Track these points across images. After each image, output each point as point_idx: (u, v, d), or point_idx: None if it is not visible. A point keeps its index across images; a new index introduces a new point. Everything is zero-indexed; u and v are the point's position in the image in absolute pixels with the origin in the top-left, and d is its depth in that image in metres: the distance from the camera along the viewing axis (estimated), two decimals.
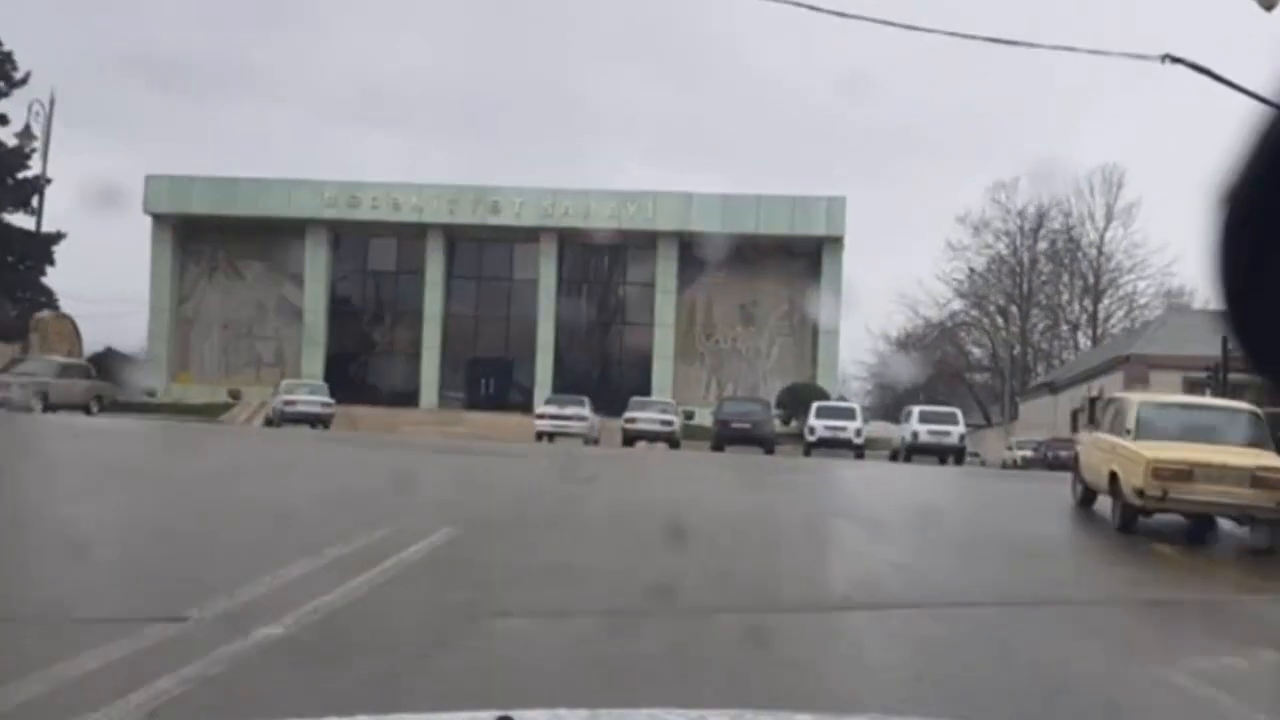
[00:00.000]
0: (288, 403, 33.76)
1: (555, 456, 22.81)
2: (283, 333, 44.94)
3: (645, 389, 41.27)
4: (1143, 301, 64.84)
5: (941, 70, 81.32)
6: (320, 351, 43.80)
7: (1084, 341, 66.43)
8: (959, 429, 33.14)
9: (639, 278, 44.29)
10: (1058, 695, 5.19)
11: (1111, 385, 44.28)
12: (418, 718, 1.34)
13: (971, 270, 63.06)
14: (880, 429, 41.17)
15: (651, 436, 32.70)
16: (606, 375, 43.35)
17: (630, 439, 32.97)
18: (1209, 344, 40.97)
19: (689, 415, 39.07)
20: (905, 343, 70.59)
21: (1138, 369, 41.21)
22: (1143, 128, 78.09)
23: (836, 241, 42.08)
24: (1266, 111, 0.69)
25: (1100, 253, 64.87)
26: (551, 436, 33.39)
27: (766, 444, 32.50)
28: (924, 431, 32.73)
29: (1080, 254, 65.19)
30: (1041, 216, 63.26)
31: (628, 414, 33.09)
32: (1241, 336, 0.73)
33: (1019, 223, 63.67)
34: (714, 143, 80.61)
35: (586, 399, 34.36)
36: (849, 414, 33.36)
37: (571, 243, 43.88)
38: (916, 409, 34.08)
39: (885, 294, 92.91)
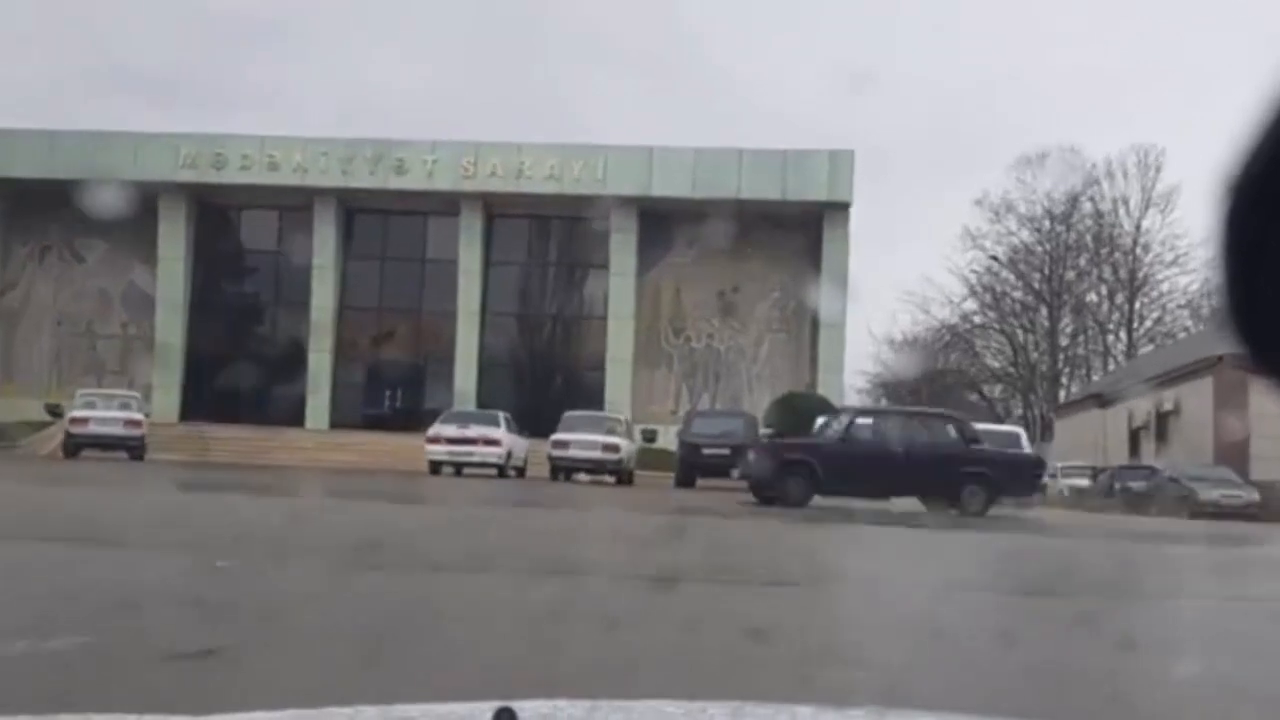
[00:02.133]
0: (77, 421, 23.97)
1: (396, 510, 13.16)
2: (132, 330, 35.09)
3: (597, 400, 31.58)
4: (1184, 300, 55.66)
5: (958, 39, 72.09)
6: (177, 355, 33.98)
7: (1117, 347, 57.16)
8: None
9: (588, 257, 34.60)
10: None
11: (1190, 396, 34.73)
12: (418, 708, 1.15)
13: (994, 259, 53.51)
14: None
15: (590, 467, 23.09)
16: (546, 384, 33.60)
17: (561, 471, 23.32)
18: None
19: (650, 436, 29.35)
20: (912, 347, 61.22)
21: (1233, 375, 31.57)
22: (1186, 104, 69.01)
23: (841, 209, 32.47)
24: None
25: (1136, 244, 55.64)
26: (459, 469, 23.77)
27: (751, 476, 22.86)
28: None
29: (1114, 245, 55.88)
30: (1074, 199, 53.97)
31: (556, 436, 23.43)
32: (1243, 329, 0.70)
33: (1046, 205, 54.39)
34: (685, 103, 70.00)
35: (503, 416, 24.69)
36: None
37: (500, 212, 34.19)
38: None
39: (889, 290, 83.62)
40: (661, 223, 32.86)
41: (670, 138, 41.90)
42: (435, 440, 23.31)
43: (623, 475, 23.58)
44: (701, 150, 32.40)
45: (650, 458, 27.00)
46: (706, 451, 23.11)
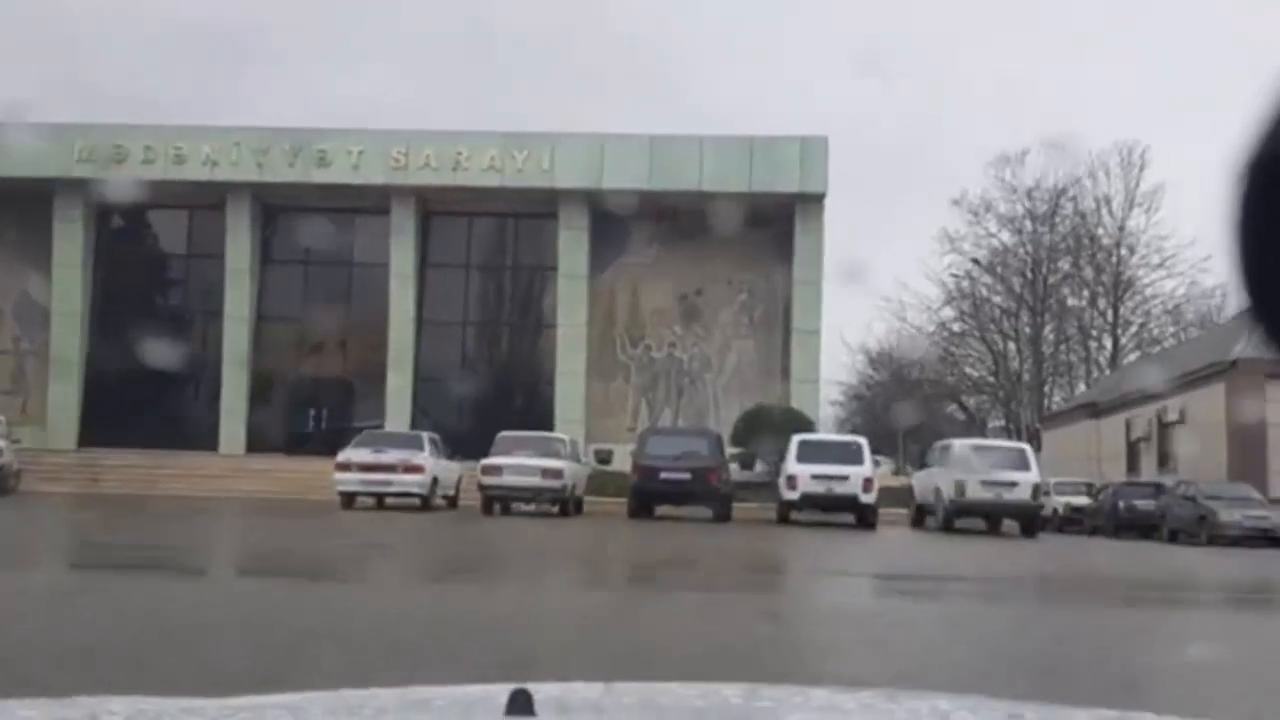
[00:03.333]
0: None
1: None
2: (25, 346, 31.39)
3: (546, 417, 28.22)
4: (1171, 305, 52.94)
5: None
6: (75, 372, 30.32)
7: (1101, 354, 54.31)
8: (1031, 477, 20.33)
9: (535, 258, 31.21)
10: None
11: (1197, 404, 31.68)
12: (436, 689, 1.15)
13: (975, 261, 50.53)
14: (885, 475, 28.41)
15: (528, 496, 19.72)
16: (490, 399, 30.12)
17: (494, 501, 19.94)
18: None
19: (604, 458, 26.05)
20: (886, 360, 58.27)
21: (1249, 379, 28.61)
22: (1169, 101, 66.58)
23: (815, 201, 29.27)
24: None
25: (1119, 245, 52.86)
26: (381, 499, 20.38)
27: (716, 503, 19.71)
28: (974, 482, 19.99)
29: (1097, 246, 53.08)
30: (1057, 197, 51.08)
31: (487, 461, 19.99)
32: (1260, 311, 0.69)
33: (1028, 205, 51.49)
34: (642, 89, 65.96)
35: (429, 438, 21.27)
36: (851, 454, 20.44)
37: (436, 209, 30.75)
38: (959, 445, 21.27)
39: (864, 297, 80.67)
40: (616, 219, 29.52)
41: (625, 125, 38.50)
42: (345, 467, 19.81)
43: (568, 505, 20.17)
44: (658, 138, 29.10)
45: (605, 482, 23.63)
46: (664, 476, 19.75)
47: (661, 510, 20.89)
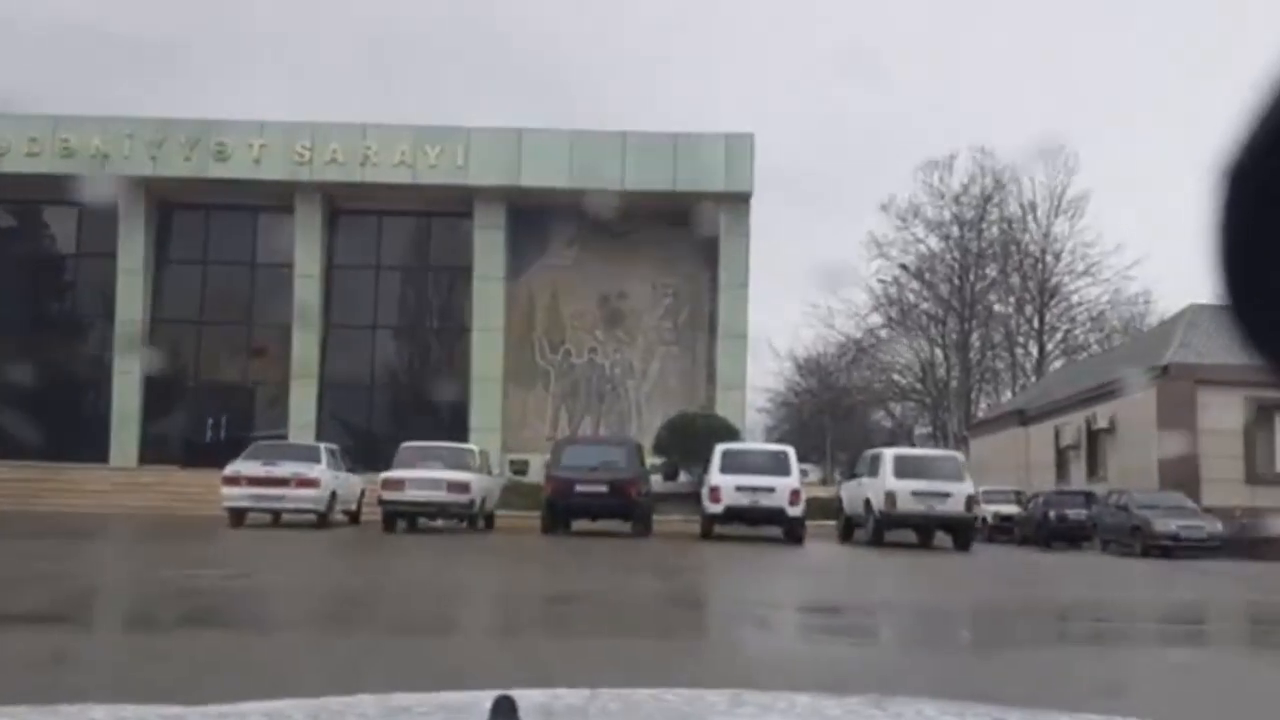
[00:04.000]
0: None
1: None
2: None
3: (460, 426, 26.82)
4: (1096, 312, 53.05)
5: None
6: None
7: (1027, 362, 54.19)
8: (965, 487, 19.42)
9: (448, 258, 29.75)
10: None
11: (1128, 412, 31.18)
12: (419, 696, 1.17)
13: (903, 267, 50.06)
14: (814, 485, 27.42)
15: (433, 511, 18.38)
16: (401, 408, 28.62)
17: (396, 517, 18.53)
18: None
19: (520, 469, 24.72)
20: (815, 367, 57.65)
21: (1180, 386, 28.13)
22: (1095, 110, 66.95)
23: (741, 201, 28.24)
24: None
25: (1045, 252, 52.84)
26: (277, 515, 18.87)
27: (636, 517, 18.55)
28: (905, 492, 19.04)
29: (1023, 253, 52.98)
30: (985, 201, 50.82)
31: (388, 474, 18.57)
32: (1246, 325, 0.70)
33: (955, 211, 51.18)
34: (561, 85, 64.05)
35: (327, 448, 19.80)
36: (777, 465, 19.35)
37: (344, 207, 29.19)
38: (890, 454, 20.27)
39: (794, 302, 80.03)
40: (535, 218, 28.25)
41: (543, 120, 37.06)
42: (233, 481, 18.23)
43: (477, 520, 18.79)
44: (579, 133, 27.86)
45: (522, 494, 22.31)
46: (580, 489, 18.47)
47: (579, 525, 19.68)
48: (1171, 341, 30.03)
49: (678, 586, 10.90)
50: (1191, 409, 27.83)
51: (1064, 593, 11.14)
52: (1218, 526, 23.31)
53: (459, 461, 18.75)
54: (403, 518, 18.66)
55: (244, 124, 27.97)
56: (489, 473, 20.22)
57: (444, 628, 7.18)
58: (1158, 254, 67.34)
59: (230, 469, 18.47)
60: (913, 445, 49.02)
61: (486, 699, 0.95)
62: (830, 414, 55.92)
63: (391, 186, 27.81)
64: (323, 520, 18.67)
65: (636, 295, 29.21)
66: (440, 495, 17.91)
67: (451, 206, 28.45)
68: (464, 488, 17.99)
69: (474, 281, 28.66)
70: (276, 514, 18.99)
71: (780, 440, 57.17)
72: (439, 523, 18.93)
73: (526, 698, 0.98)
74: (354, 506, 20.20)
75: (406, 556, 14.25)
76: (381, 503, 18.35)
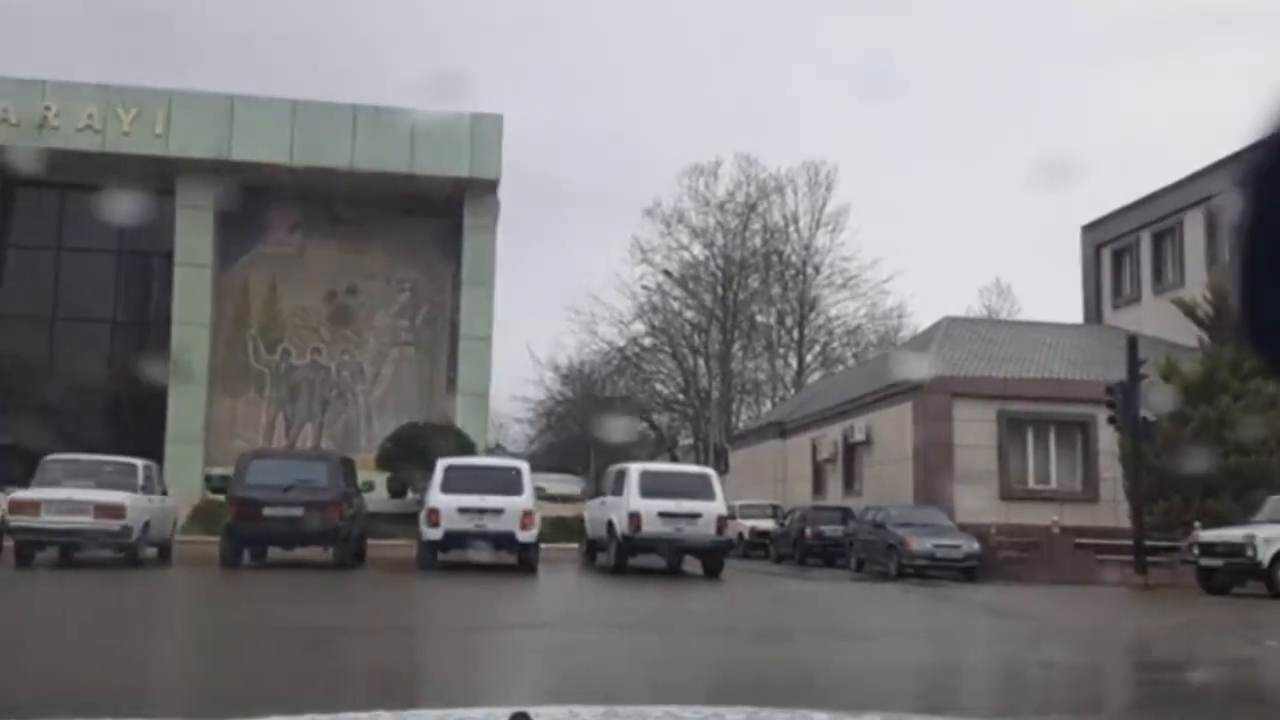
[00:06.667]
0: None
1: None
2: None
3: (154, 437, 23.10)
4: (853, 325, 53.46)
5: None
6: None
7: (787, 374, 54.01)
8: (716, 507, 17.48)
9: (145, 241, 25.84)
10: None
11: (885, 425, 30.39)
12: (435, 713, 1.22)
13: (666, 273, 48.72)
14: (556, 504, 25.02)
15: (75, 541, 14.94)
16: (84, 413, 24.50)
17: (32, 548, 14.97)
18: (1017, 364, 27.97)
19: (219, 486, 21.27)
20: (578, 376, 55.63)
21: (936, 400, 27.42)
22: (856, 126, 67.86)
23: (488, 189, 25.66)
24: None
25: (806, 264, 52.80)
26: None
27: (339, 546, 15.71)
28: (651, 513, 16.98)
29: (785, 264, 52.75)
30: (749, 210, 50.18)
31: (19, 495, 15.02)
32: (1249, 320, 0.71)
33: (720, 218, 50.33)
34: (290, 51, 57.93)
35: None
36: (507, 481, 16.86)
37: (20, 178, 24.82)
38: (635, 470, 18.11)
39: (553, 309, 77.86)
40: (250, 199, 24.78)
41: (262, 88, 32.79)
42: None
43: (136, 552, 15.38)
44: (302, 104, 24.63)
45: (207, 517, 18.95)
46: (269, 512, 15.41)
47: (275, 554, 16.62)
48: (928, 354, 29.39)
49: (348, 647, 8.23)
50: (948, 422, 27.14)
51: (808, 652, 9.14)
52: (974, 546, 22.40)
53: (117, 479, 15.29)
54: (42, 549, 15.07)
55: None
56: (161, 493, 16.79)
57: None
58: (912, 270, 68.85)
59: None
60: (675, 458, 47.73)
61: (503, 715, 0.96)
62: (594, 425, 54.06)
63: (76, 155, 23.79)
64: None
65: (368, 290, 26.14)
66: (85, 521, 14.45)
67: (149, 181, 24.56)
68: (116, 511, 14.57)
69: (176, 269, 24.90)
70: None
71: (538, 455, 54.93)
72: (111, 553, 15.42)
73: (542, 714, 0.98)
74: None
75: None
76: (9, 531, 14.73)
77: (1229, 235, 0.66)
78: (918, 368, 28.46)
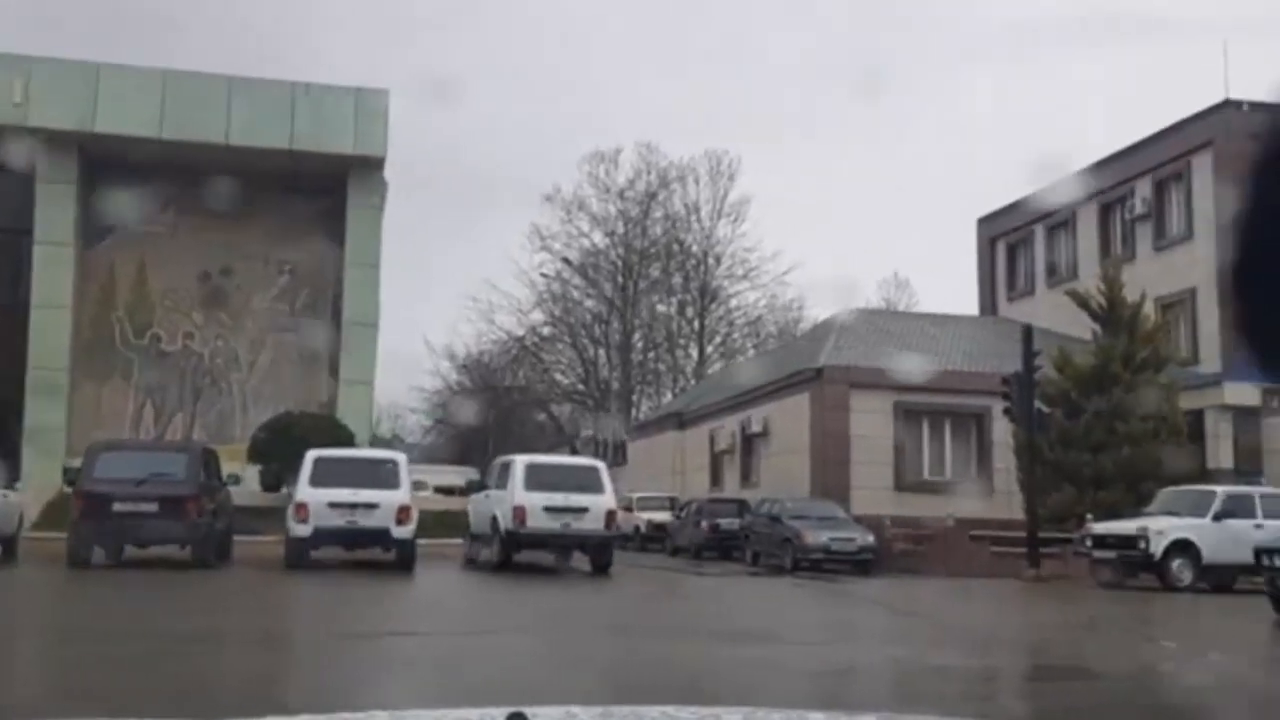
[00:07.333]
0: None
1: None
2: None
3: (10, 428, 21.52)
4: (754, 316, 53.28)
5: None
6: None
7: (688, 365, 53.61)
8: (605, 501, 16.78)
9: (8, 219, 24.18)
10: None
11: (782, 416, 30.02)
12: (431, 713, 1.22)
13: (566, 261, 47.86)
14: (440, 498, 24.09)
15: None
16: None
17: None
18: (915, 355, 27.75)
19: (73, 479, 19.84)
20: (476, 365, 54.45)
21: (833, 390, 27.11)
22: (758, 118, 67.67)
23: (373, 167, 24.54)
24: None
25: (707, 254, 52.43)
26: None
27: (197, 544, 14.63)
28: (536, 507, 16.23)
29: (686, 254, 52.29)
30: (650, 199, 49.57)
31: None
32: (1250, 333, 0.71)
33: (621, 206, 49.63)
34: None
35: None
36: (382, 474, 15.93)
37: None
38: (521, 462, 17.27)
39: (453, 298, 76.44)
40: (117, 174, 23.27)
41: (134, 57, 31.04)
42: None
43: None
44: (173, 74, 23.22)
45: (59, 517, 17.60)
46: (119, 508, 14.27)
47: (131, 552, 15.46)
48: (825, 344, 29.10)
49: (186, 660, 7.29)
50: (845, 413, 26.86)
51: (680, 655, 8.48)
52: (869, 538, 22.07)
53: None
54: None
55: None
56: (6, 485, 15.49)
57: None
58: (812, 262, 69.00)
59: None
60: (575, 451, 46.92)
61: (500, 715, 0.95)
62: (494, 417, 52.91)
63: None
64: None
65: (245, 272, 24.83)
66: None
67: (6, 153, 22.93)
68: None
69: (35, 247, 23.32)
70: None
71: (437, 446, 53.69)
72: None
73: (540, 714, 0.98)
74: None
75: None
76: None
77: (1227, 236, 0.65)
78: (815, 358, 28.17)
